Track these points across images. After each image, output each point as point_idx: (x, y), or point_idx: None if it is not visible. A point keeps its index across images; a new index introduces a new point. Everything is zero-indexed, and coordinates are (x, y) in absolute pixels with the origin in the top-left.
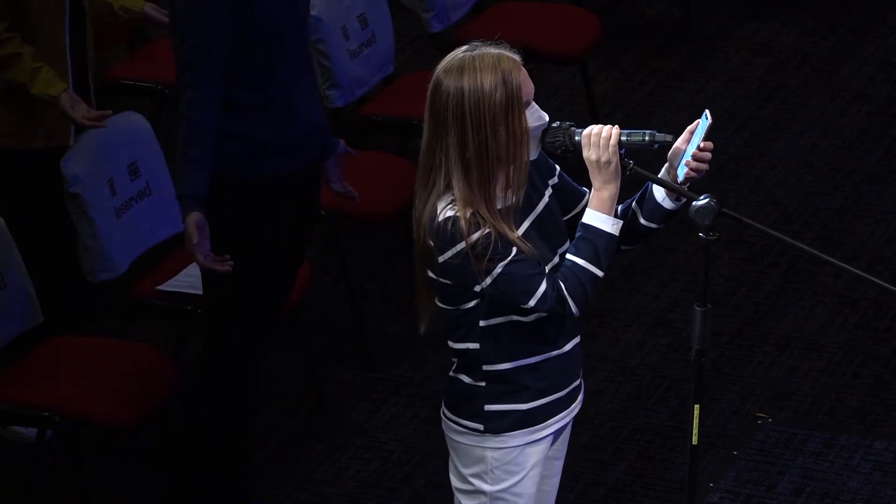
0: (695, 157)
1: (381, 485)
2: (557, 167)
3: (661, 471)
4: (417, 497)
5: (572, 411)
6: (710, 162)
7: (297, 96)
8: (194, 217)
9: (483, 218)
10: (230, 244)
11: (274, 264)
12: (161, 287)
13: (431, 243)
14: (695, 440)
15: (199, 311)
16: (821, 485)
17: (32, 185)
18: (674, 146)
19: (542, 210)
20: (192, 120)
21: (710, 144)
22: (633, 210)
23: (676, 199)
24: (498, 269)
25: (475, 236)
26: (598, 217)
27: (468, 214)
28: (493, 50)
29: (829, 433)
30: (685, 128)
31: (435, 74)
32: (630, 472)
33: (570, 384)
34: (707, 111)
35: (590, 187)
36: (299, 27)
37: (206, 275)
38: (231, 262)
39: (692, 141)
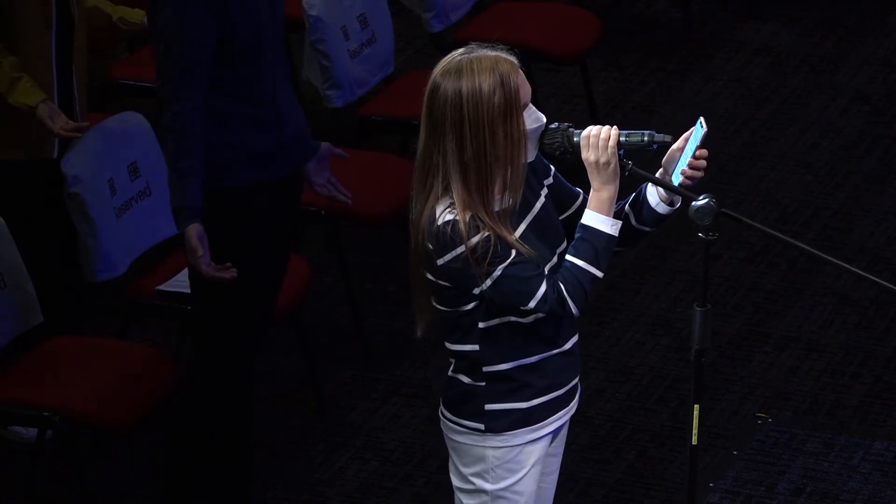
0: (690, 166)
1: (381, 485)
2: (552, 167)
3: (661, 471)
4: (417, 497)
5: (571, 409)
6: (709, 163)
7: (283, 102)
8: (195, 229)
9: (482, 221)
10: (221, 251)
11: (263, 269)
12: (161, 287)
13: (430, 246)
14: (695, 440)
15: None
16: (821, 485)
17: (19, 196)
18: (668, 152)
19: (539, 211)
20: (179, 132)
21: (704, 152)
22: (626, 213)
23: (670, 204)
24: (498, 272)
25: (475, 240)
26: (598, 218)
27: (467, 218)
28: (490, 52)
29: (829, 433)
30: (685, 128)
31: (432, 78)
32: (630, 472)
33: (570, 381)
34: (702, 119)
35: (585, 187)
36: (279, 35)
37: (197, 282)
38: (234, 269)
39: (686, 149)
